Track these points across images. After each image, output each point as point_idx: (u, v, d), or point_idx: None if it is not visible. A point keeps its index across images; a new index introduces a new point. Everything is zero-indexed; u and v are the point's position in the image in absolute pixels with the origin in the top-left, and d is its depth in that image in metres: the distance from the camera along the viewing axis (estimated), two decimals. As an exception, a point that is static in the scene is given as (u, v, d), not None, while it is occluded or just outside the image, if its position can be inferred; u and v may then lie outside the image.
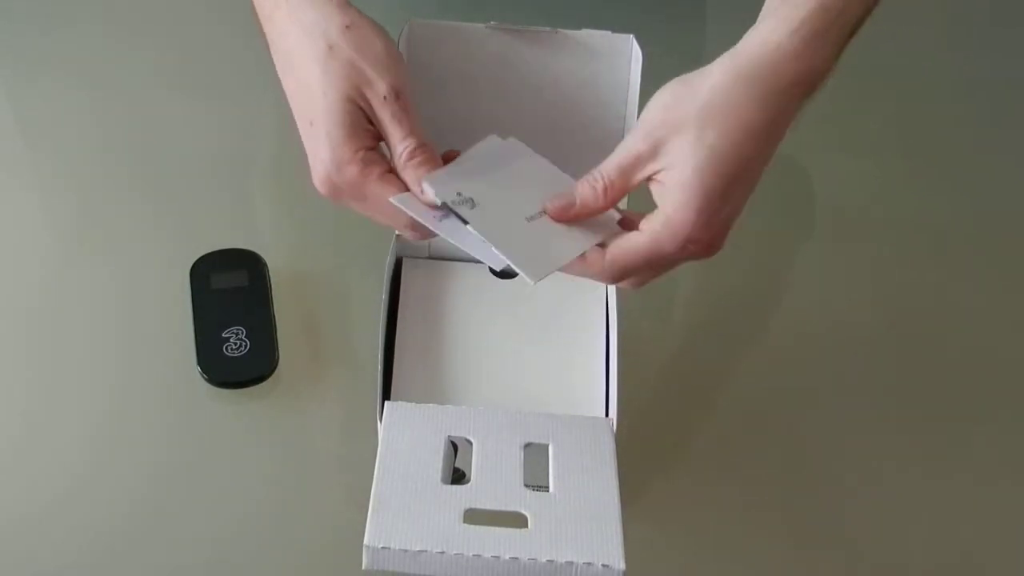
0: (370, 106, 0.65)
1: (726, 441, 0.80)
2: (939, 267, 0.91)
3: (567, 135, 0.75)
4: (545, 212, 0.65)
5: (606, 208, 0.66)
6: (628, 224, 0.66)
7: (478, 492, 0.62)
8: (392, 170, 0.66)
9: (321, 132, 0.64)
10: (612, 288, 0.76)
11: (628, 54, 0.73)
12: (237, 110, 0.92)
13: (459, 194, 0.64)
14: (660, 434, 0.79)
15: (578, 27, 0.73)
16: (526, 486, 0.62)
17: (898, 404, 0.82)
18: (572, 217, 0.66)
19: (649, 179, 0.64)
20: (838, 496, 0.78)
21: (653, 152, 0.63)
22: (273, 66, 0.69)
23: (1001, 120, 1.04)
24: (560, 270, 0.64)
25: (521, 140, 0.74)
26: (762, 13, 0.65)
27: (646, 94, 0.73)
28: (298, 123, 0.66)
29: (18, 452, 0.78)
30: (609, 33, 0.74)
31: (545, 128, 0.75)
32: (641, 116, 0.65)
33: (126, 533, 0.75)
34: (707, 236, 0.63)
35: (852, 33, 0.64)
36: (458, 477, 0.65)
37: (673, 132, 0.63)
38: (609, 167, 0.65)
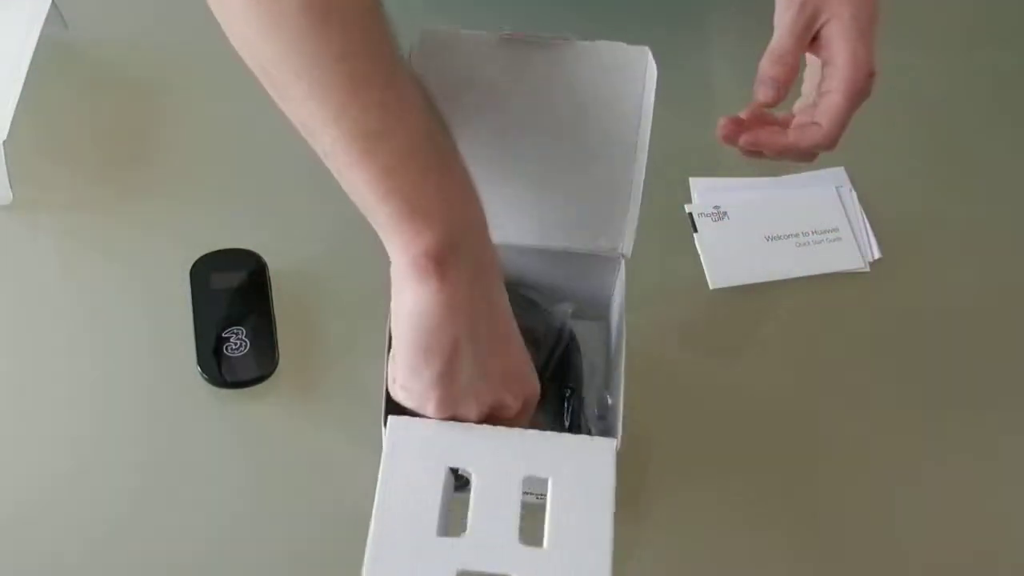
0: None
1: (732, 450, 0.81)
2: (942, 265, 0.92)
3: (579, 147, 0.74)
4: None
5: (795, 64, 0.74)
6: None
7: (472, 549, 0.62)
8: None
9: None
10: (620, 307, 0.75)
11: (643, 66, 0.73)
12: (237, 110, 0.91)
13: None
14: (665, 443, 0.80)
15: (593, 38, 0.74)
16: (520, 542, 0.62)
17: (904, 411, 0.83)
18: (783, 87, 0.74)
19: (814, 39, 0.74)
20: (848, 505, 0.79)
21: (814, 15, 0.73)
22: None
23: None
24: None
25: (530, 149, 0.74)
26: None
27: (660, 106, 0.74)
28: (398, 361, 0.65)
29: (18, 452, 0.78)
30: (624, 45, 0.73)
31: (557, 139, 0.74)
32: None
33: (126, 533, 0.75)
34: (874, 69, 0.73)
35: None
36: (461, 484, 0.65)
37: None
38: (781, 40, 0.74)
